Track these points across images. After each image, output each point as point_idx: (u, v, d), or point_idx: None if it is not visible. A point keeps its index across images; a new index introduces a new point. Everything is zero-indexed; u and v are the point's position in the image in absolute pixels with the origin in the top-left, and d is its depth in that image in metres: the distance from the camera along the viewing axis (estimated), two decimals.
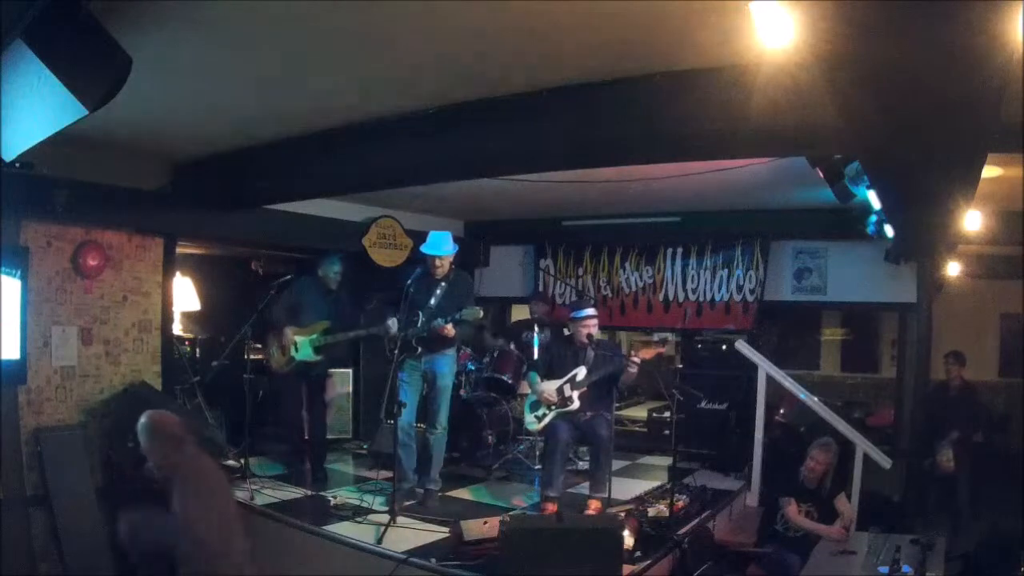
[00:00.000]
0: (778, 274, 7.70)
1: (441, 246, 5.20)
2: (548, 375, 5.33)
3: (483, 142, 4.34)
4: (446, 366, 5.35)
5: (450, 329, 5.09)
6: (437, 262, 5.19)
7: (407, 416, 5.13)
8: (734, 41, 2.97)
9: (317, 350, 5.90)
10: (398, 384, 5.11)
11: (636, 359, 5.23)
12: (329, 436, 6.69)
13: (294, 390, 6.15)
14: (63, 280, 5.34)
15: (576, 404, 5.17)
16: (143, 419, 3.38)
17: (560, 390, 5.22)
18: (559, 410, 5.20)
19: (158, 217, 5.85)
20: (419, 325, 5.15)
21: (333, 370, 6.93)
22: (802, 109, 3.01)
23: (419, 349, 5.25)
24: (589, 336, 5.28)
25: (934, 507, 6.56)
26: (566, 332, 5.74)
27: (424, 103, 4.28)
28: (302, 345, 5.88)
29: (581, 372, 5.23)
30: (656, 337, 10.33)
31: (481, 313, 5.17)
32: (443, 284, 5.26)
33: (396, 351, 5.01)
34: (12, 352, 4.94)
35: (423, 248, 5.29)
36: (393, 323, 5.18)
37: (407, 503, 5.15)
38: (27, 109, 2.79)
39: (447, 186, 6.02)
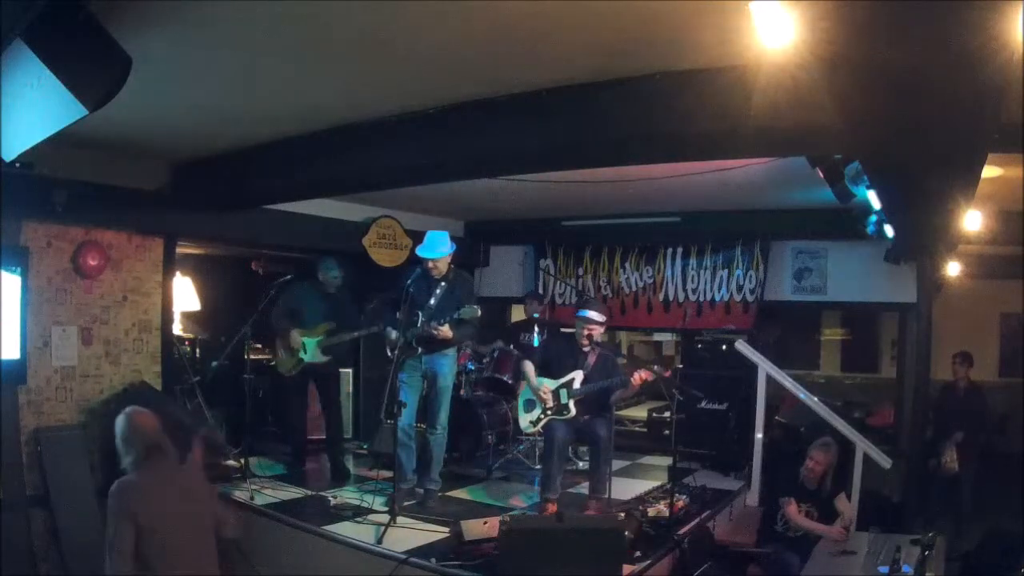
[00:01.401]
0: (778, 274, 7.70)
1: (436, 248, 5.17)
2: (545, 371, 5.31)
3: (483, 142, 4.34)
4: (446, 366, 5.34)
5: (447, 331, 5.09)
6: (430, 264, 5.18)
7: (407, 416, 5.12)
8: (734, 41, 2.96)
9: (324, 351, 5.95)
10: (398, 384, 5.11)
11: (639, 376, 5.06)
12: None
13: (300, 391, 6.19)
14: (63, 280, 5.35)
15: (572, 412, 5.14)
16: (121, 416, 3.30)
17: (556, 394, 5.20)
18: (554, 416, 5.19)
19: (158, 217, 5.86)
20: (419, 325, 5.15)
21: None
22: (802, 109, 3.01)
23: (419, 350, 5.24)
24: (590, 337, 5.25)
25: (934, 507, 6.56)
26: (563, 331, 5.69)
27: (424, 103, 4.28)
28: (310, 347, 5.91)
29: (578, 378, 5.19)
30: (656, 337, 10.32)
31: (479, 312, 5.16)
32: (442, 284, 5.25)
33: (396, 351, 5.02)
34: (12, 352, 4.95)
35: (418, 251, 5.28)
36: (392, 331, 5.17)
37: (407, 503, 5.14)
38: (27, 109, 2.80)
39: (447, 186, 6.02)
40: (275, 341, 6.13)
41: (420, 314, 5.17)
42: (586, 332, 5.22)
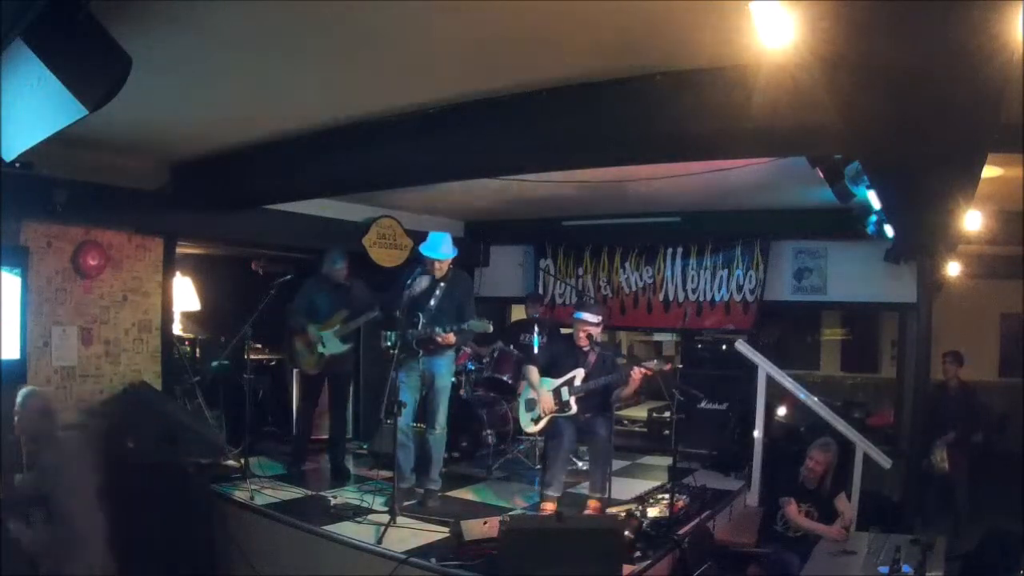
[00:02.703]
0: (778, 274, 7.70)
1: (441, 248, 5.17)
2: (546, 372, 5.31)
3: (483, 142, 4.34)
4: (445, 366, 5.34)
5: (451, 338, 5.11)
6: (437, 265, 5.18)
7: (406, 416, 5.12)
8: (734, 41, 2.96)
9: (344, 339, 5.94)
10: (397, 384, 5.11)
11: (639, 371, 5.06)
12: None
13: (315, 390, 6.19)
14: (63, 280, 5.35)
15: (574, 410, 5.15)
16: (21, 395, 3.53)
17: (557, 392, 5.21)
18: (556, 415, 5.18)
19: (158, 217, 5.87)
20: (419, 327, 5.15)
21: None
22: (802, 109, 3.01)
23: (420, 351, 5.24)
24: (589, 337, 5.25)
25: (933, 507, 6.56)
26: (563, 331, 5.68)
27: (424, 103, 4.28)
28: (328, 339, 5.89)
29: (579, 375, 5.19)
30: (656, 337, 10.30)
31: (490, 326, 5.17)
32: (442, 284, 5.25)
33: (395, 351, 5.02)
34: (12, 352, 4.94)
35: (422, 249, 5.26)
36: (391, 334, 5.18)
37: (407, 503, 5.14)
38: (27, 109, 2.80)
39: (447, 186, 6.02)
40: (293, 342, 6.06)
41: (420, 315, 5.17)
42: (583, 333, 5.24)
